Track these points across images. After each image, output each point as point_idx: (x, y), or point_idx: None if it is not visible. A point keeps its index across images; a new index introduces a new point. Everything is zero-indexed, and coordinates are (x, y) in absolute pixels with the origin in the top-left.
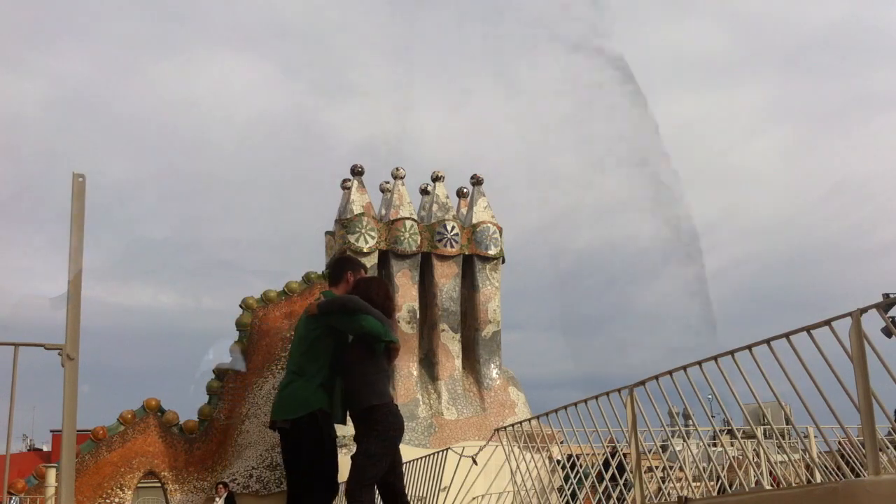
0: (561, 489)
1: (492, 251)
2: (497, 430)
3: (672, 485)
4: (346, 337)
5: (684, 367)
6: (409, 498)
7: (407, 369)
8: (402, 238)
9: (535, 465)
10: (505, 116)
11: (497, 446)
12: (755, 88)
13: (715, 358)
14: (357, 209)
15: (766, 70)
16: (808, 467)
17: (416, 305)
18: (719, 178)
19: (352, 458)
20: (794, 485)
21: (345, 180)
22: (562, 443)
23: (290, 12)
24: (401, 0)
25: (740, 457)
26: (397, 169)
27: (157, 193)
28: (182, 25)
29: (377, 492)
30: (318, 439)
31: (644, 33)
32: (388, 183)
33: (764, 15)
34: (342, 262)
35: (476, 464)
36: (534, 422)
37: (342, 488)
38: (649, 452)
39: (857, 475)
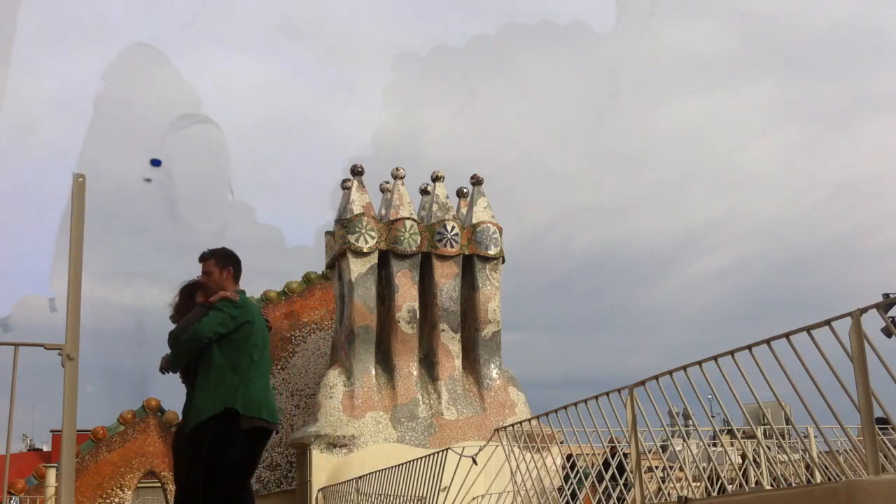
0: (561, 489)
1: (492, 251)
2: (497, 430)
3: (672, 485)
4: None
5: (684, 367)
6: (403, 499)
7: (407, 369)
8: (402, 238)
9: (535, 466)
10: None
11: (497, 446)
12: (759, 89)
13: (715, 358)
14: (357, 209)
15: (771, 71)
16: (808, 467)
17: (416, 305)
18: (723, 179)
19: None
20: (794, 485)
21: (345, 180)
22: (562, 443)
23: (294, 11)
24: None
25: (740, 459)
26: (397, 169)
27: (160, 193)
28: (185, 25)
29: None
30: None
31: (650, 35)
32: (388, 183)
33: (768, 16)
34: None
35: (476, 464)
36: (534, 422)
37: None
38: (649, 452)
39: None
